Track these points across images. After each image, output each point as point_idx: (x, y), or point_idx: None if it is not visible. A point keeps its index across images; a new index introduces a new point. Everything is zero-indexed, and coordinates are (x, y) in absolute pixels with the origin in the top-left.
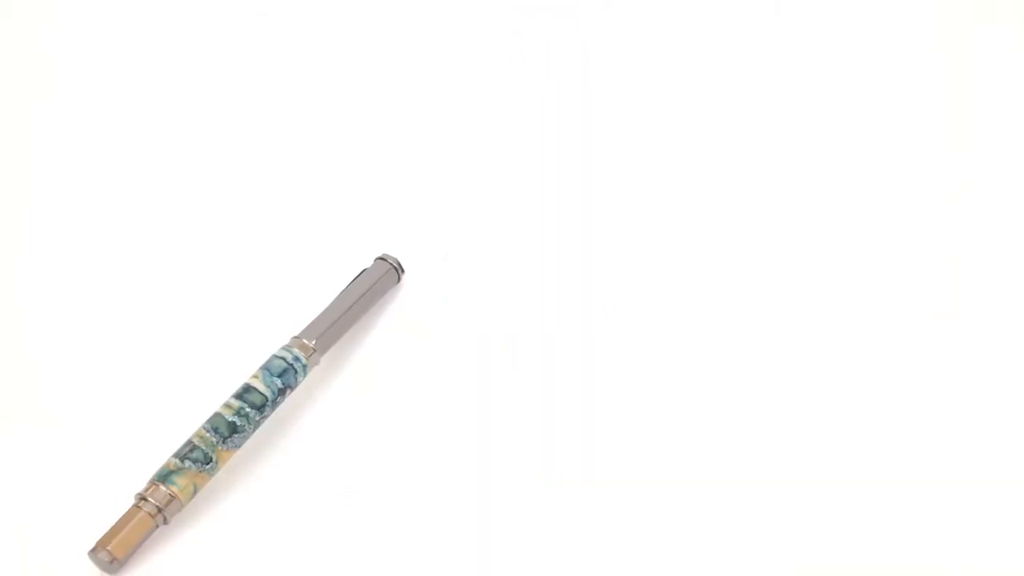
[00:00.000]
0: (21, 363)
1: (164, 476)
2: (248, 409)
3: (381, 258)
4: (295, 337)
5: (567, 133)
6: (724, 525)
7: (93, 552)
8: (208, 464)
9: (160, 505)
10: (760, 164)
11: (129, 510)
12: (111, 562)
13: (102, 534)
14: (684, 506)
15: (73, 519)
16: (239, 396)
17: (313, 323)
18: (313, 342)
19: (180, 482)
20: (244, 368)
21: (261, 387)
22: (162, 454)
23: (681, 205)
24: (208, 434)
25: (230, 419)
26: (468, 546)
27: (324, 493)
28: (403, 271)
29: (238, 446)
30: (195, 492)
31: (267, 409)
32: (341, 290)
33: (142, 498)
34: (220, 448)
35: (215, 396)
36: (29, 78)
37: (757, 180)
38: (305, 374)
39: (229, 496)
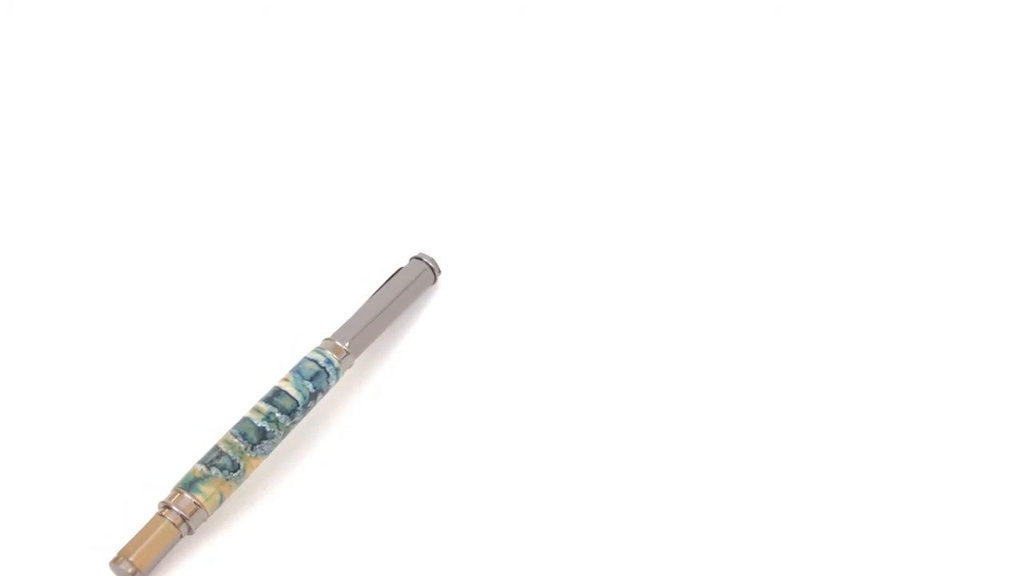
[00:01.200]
0: (45, 364)
1: (189, 484)
2: (278, 414)
3: (417, 257)
4: (327, 339)
5: (599, 134)
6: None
7: (115, 562)
8: (236, 472)
9: (185, 514)
10: (761, 164)
11: (153, 519)
12: (133, 574)
13: (124, 543)
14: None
15: (95, 526)
16: (269, 400)
17: (346, 324)
18: (346, 344)
19: (206, 490)
20: (275, 370)
21: (292, 391)
22: (188, 459)
23: (687, 205)
24: (236, 440)
25: (259, 424)
26: (501, 552)
27: (354, 502)
28: (440, 271)
29: (267, 453)
30: (221, 501)
31: (298, 414)
32: (375, 290)
33: (166, 506)
34: (248, 455)
35: (245, 399)
36: (56, 81)
37: (760, 180)
38: (337, 378)
39: (256, 505)
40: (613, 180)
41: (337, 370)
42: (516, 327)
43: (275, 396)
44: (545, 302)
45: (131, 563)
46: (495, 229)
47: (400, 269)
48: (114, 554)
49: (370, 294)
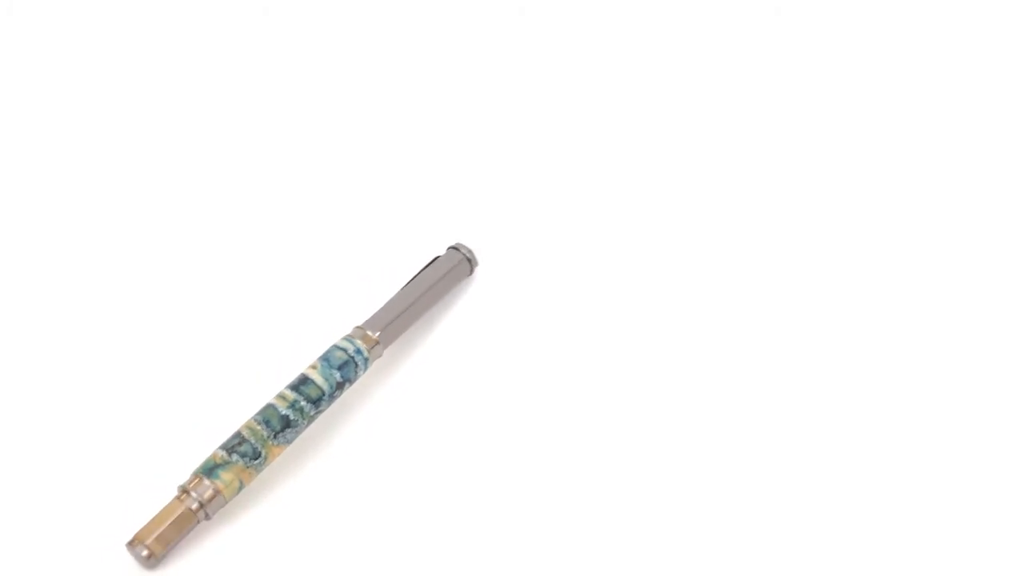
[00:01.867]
0: (67, 346)
1: (209, 469)
2: (303, 403)
3: (454, 247)
4: (358, 327)
5: (641, 129)
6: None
7: (131, 545)
8: (256, 459)
9: (203, 500)
10: (763, 164)
11: (171, 503)
12: (148, 557)
13: (141, 526)
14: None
15: (114, 509)
16: (295, 388)
17: (378, 313)
18: (377, 334)
19: (225, 477)
20: (306, 358)
21: (319, 379)
22: (210, 444)
23: (727, 199)
24: (259, 427)
25: (283, 412)
26: (523, 548)
27: (375, 495)
28: (476, 263)
29: (289, 441)
30: (240, 488)
31: (323, 403)
32: (409, 279)
33: (185, 491)
34: (271, 443)
35: (271, 385)
36: (71, 84)
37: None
38: (366, 368)
39: (276, 493)
40: (657, 178)
41: (366, 360)
42: (551, 326)
43: (301, 384)
44: (582, 301)
45: (146, 546)
46: (536, 224)
47: (436, 258)
48: (131, 536)
49: (404, 283)
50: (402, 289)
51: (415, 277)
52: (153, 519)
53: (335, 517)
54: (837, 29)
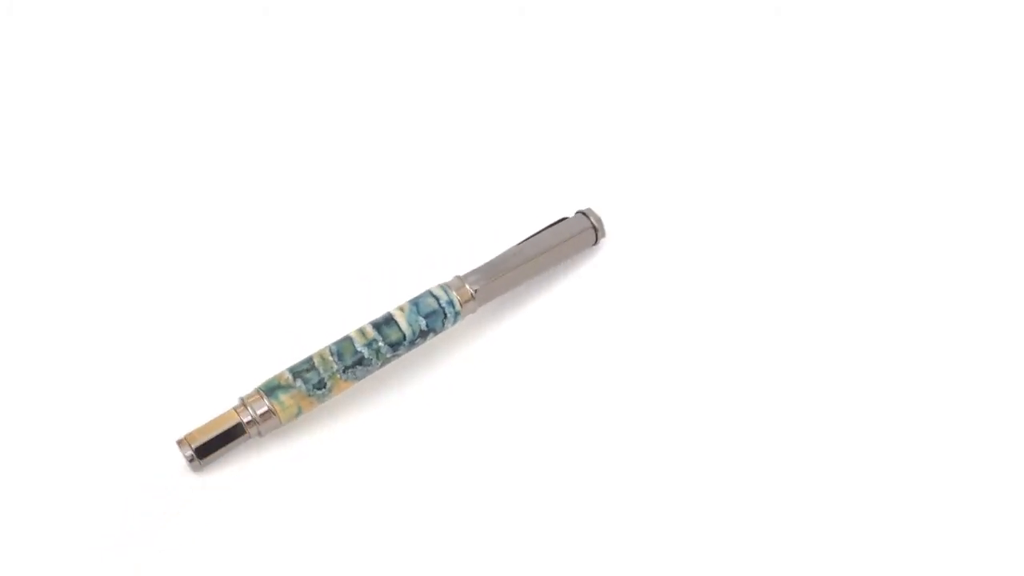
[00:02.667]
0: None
1: (271, 389)
2: (381, 343)
3: (583, 212)
4: (458, 276)
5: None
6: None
7: (180, 443)
8: (320, 390)
9: (257, 417)
10: (765, 164)
11: (226, 413)
12: (191, 460)
13: (196, 427)
14: None
15: (177, 406)
16: (377, 326)
17: (483, 267)
18: (475, 288)
19: (285, 400)
20: (398, 294)
21: (403, 323)
22: (286, 362)
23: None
24: (330, 358)
25: (359, 349)
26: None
27: (436, 452)
28: (604, 234)
29: (359, 378)
30: (298, 414)
31: (401, 349)
32: (526, 237)
33: (243, 404)
34: (339, 376)
35: (362, 316)
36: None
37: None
38: (455, 322)
39: (333, 428)
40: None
41: (457, 314)
42: (673, 316)
43: (384, 324)
44: (712, 295)
45: (191, 448)
46: (679, 205)
47: (561, 220)
48: (182, 435)
49: (521, 239)
50: (516, 246)
51: (533, 236)
52: (206, 424)
53: (392, 464)
54: (837, 29)
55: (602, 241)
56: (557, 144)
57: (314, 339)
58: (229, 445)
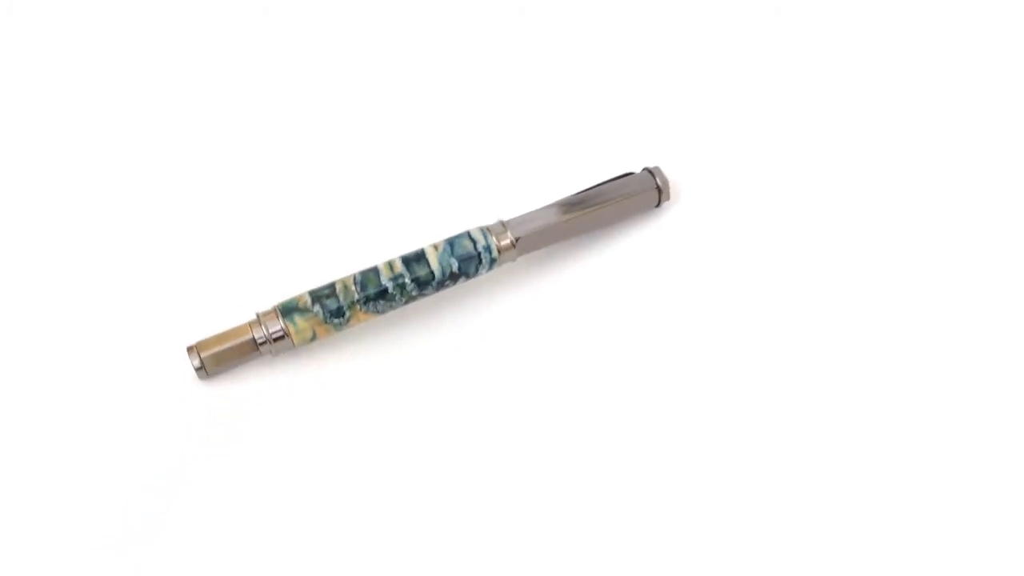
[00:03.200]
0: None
1: (288, 310)
2: (407, 280)
3: (649, 170)
4: (501, 221)
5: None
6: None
7: (190, 350)
8: (338, 317)
9: (269, 336)
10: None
11: (240, 327)
12: (199, 368)
13: (208, 336)
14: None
15: (192, 313)
16: (406, 261)
17: (529, 214)
18: (517, 236)
19: (300, 323)
20: (442, 228)
21: (434, 262)
22: (311, 284)
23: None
24: (353, 287)
25: (384, 282)
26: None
27: (450, 401)
28: (667, 197)
29: (380, 312)
30: (312, 339)
31: (429, 289)
32: (583, 188)
33: (259, 321)
34: (359, 308)
35: (397, 247)
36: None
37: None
38: (490, 268)
39: (350, 360)
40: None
41: (493, 260)
42: (731, 302)
43: (415, 260)
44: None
45: (200, 357)
46: (758, 178)
47: (624, 176)
48: (194, 342)
49: (579, 189)
50: (570, 197)
51: (590, 188)
52: (218, 335)
53: (402, 407)
54: (837, 29)
55: (665, 205)
56: (638, 97)
57: (352, 266)
58: (237, 359)
